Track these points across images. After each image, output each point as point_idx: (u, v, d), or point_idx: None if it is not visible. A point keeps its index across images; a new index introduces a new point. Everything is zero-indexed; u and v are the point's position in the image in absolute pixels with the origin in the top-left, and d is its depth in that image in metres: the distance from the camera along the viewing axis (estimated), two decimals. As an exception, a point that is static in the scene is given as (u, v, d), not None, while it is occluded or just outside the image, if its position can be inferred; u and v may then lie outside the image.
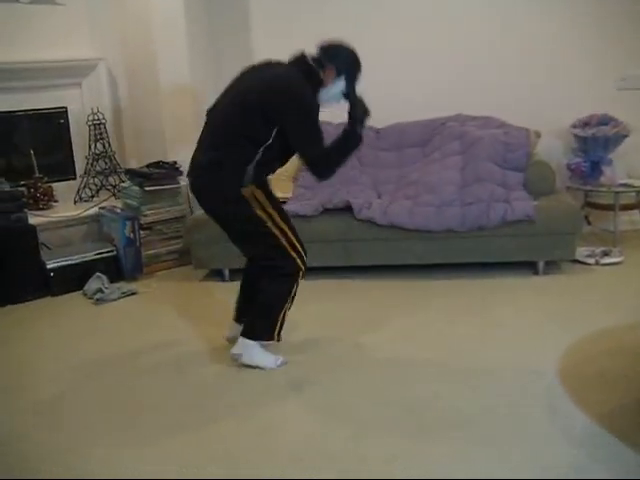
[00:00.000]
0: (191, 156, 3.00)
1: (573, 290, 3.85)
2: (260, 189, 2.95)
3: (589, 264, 4.20)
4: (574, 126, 4.67)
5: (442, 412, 2.60)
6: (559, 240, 4.03)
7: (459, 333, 3.34)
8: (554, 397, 2.66)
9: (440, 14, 4.91)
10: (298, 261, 2.97)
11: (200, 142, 2.99)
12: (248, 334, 3.03)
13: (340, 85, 2.88)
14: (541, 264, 4.08)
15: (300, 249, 3.01)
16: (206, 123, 3.00)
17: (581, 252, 4.24)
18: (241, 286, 3.28)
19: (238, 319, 3.23)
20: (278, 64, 2.92)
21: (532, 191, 4.14)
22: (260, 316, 3.04)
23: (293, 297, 3.03)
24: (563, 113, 4.71)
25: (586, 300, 3.67)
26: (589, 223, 4.71)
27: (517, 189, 4.12)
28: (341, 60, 2.88)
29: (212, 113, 2.99)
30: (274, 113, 2.79)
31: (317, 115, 2.81)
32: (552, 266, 4.13)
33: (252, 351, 3.04)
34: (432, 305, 3.73)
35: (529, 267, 4.11)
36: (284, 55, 2.92)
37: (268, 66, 2.93)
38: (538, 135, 4.45)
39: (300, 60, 2.88)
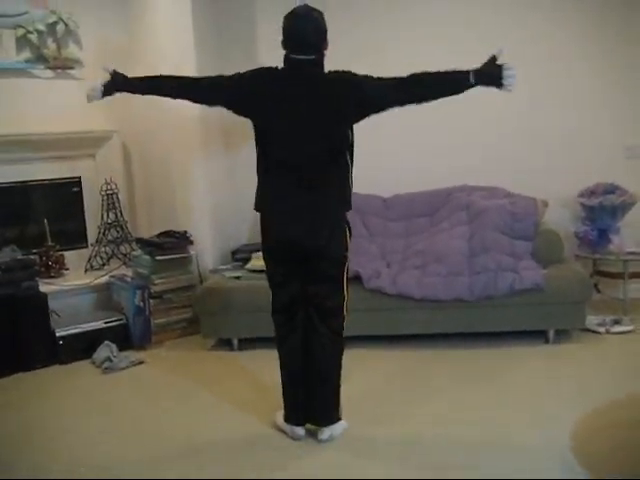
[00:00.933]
0: (277, 205, 2.90)
1: (584, 359, 3.82)
2: None
3: (600, 333, 4.17)
4: (581, 195, 4.71)
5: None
6: (569, 309, 4.03)
7: (468, 404, 3.30)
8: (567, 469, 2.61)
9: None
10: None
11: (291, 182, 2.84)
12: (335, 419, 2.98)
13: None
14: (551, 333, 4.06)
15: None
16: (284, 165, 2.86)
17: (591, 320, 4.22)
18: (296, 378, 3.00)
19: (303, 419, 3.01)
20: (316, 70, 2.88)
21: (541, 260, 4.15)
22: (336, 392, 2.99)
23: None
24: (570, 182, 4.75)
25: (598, 370, 3.64)
26: (599, 291, 4.69)
27: (525, 258, 4.13)
28: (325, 32, 2.85)
29: (287, 148, 2.85)
30: (361, 95, 2.81)
31: None
32: (563, 335, 4.10)
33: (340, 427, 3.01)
34: (442, 375, 3.70)
35: (539, 336, 4.08)
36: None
37: (311, 76, 2.87)
38: (545, 204, 4.49)
39: (320, 62, 2.87)
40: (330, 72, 2.86)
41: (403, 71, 2.86)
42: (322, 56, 2.86)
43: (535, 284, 3.96)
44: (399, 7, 5.01)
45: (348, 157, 2.91)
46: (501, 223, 4.24)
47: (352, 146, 2.92)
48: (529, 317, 4.03)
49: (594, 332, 4.18)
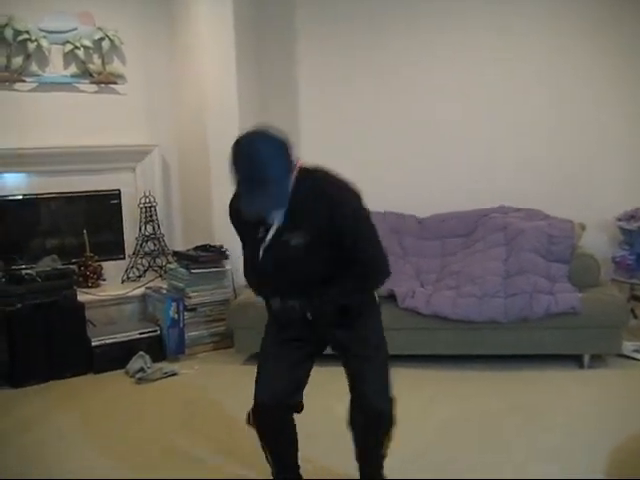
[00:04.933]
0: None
1: (619, 386, 3.76)
2: None
3: (636, 359, 4.10)
4: (620, 219, 4.67)
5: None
6: (605, 334, 3.97)
7: (503, 427, 3.27)
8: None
9: (485, 105, 5.03)
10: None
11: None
12: None
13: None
14: (586, 358, 4.00)
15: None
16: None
17: (627, 347, 4.15)
18: None
19: None
20: None
21: (577, 283, 4.11)
22: None
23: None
24: (609, 206, 4.72)
25: (632, 397, 3.57)
26: (635, 317, 4.62)
27: (561, 281, 4.10)
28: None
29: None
30: None
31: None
32: (598, 360, 4.05)
33: None
34: (475, 396, 3.67)
35: (574, 360, 4.03)
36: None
37: None
38: (583, 227, 4.45)
39: None
40: None
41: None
42: None
43: (571, 307, 3.91)
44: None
45: None
46: (538, 245, 4.22)
47: None
48: (564, 341, 3.99)
49: (630, 358, 4.11)
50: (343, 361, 2.47)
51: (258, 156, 2.09)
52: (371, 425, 2.44)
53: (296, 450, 2.55)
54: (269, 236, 2.27)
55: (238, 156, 2.11)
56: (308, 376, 2.47)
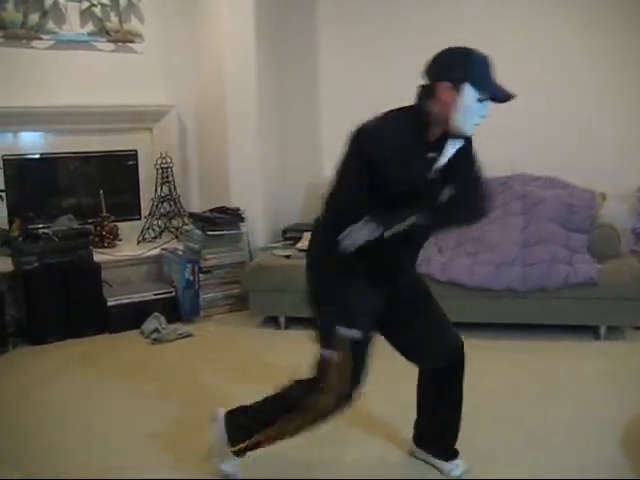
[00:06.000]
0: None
1: (636, 358, 3.73)
2: None
3: (654, 332, 4.08)
4: (640, 189, 4.61)
5: None
6: (623, 305, 3.93)
7: (517, 397, 3.26)
8: (615, 467, 2.57)
9: (502, 74, 4.93)
10: None
11: None
12: None
13: (469, 97, 2.24)
14: (603, 329, 3.98)
15: None
16: None
17: (645, 319, 4.12)
18: None
19: None
20: None
21: (596, 254, 4.06)
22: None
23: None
24: (629, 176, 4.64)
25: (650, 369, 3.56)
26: (654, 289, 4.58)
27: (581, 251, 4.05)
28: (455, 67, 2.22)
29: None
30: None
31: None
32: (614, 332, 4.01)
33: None
34: (490, 365, 3.64)
35: (590, 332, 4.01)
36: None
37: None
38: (603, 197, 4.39)
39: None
40: None
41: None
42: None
43: (589, 278, 3.88)
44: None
45: None
46: (557, 214, 4.16)
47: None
48: (581, 312, 3.96)
49: (648, 330, 4.09)
50: (408, 318, 2.57)
51: None
52: (462, 366, 2.57)
53: None
54: (446, 158, 2.30)
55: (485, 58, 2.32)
56: None
